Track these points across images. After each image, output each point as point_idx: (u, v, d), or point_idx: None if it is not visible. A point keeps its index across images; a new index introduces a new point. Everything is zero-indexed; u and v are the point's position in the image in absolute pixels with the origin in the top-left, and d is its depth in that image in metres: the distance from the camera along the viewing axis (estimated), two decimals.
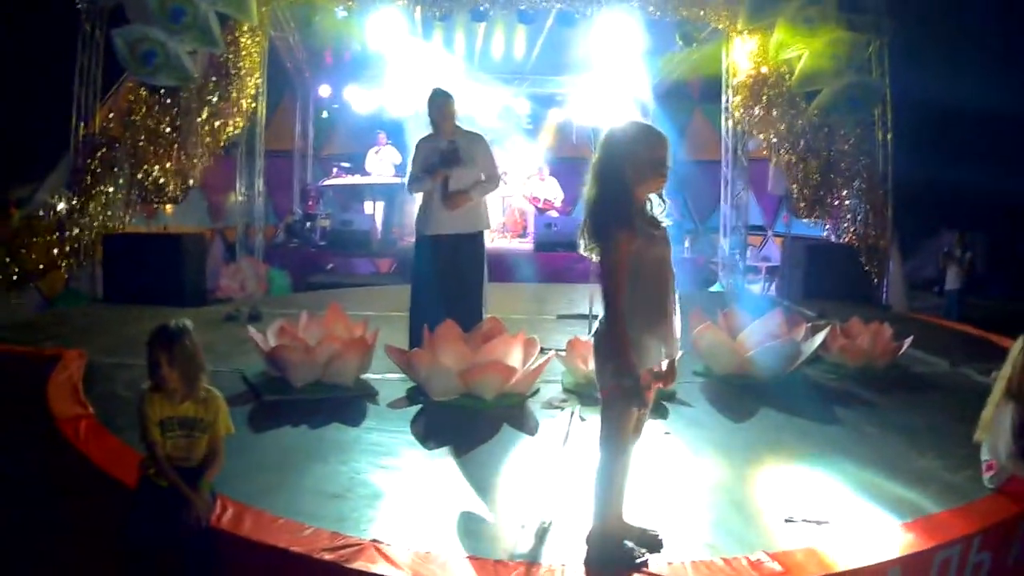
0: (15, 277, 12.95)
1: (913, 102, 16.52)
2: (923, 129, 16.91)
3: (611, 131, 4.62)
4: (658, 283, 4.56)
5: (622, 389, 4.47)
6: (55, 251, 13.39)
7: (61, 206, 13.57)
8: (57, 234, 13.40)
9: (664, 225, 4.68)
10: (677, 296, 4.69)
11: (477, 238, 9.40)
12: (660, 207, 4.66)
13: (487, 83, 21.93)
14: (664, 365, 4.72)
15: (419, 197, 9.45)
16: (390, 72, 20.86)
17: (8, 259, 13.13)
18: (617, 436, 4.67)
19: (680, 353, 4.82)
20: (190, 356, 4.88)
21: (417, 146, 9.39)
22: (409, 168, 9.44)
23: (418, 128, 9.78)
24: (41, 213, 13.47)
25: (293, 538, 4.90)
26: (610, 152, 4.56)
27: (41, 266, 13.16)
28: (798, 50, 16.13)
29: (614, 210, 4.51)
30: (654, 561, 4.76)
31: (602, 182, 4.56)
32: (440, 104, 9.24)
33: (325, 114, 25.67)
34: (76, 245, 13.58)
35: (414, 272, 9.56)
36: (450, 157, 9.04)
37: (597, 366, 4.71)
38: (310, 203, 22.45)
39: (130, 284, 13.33)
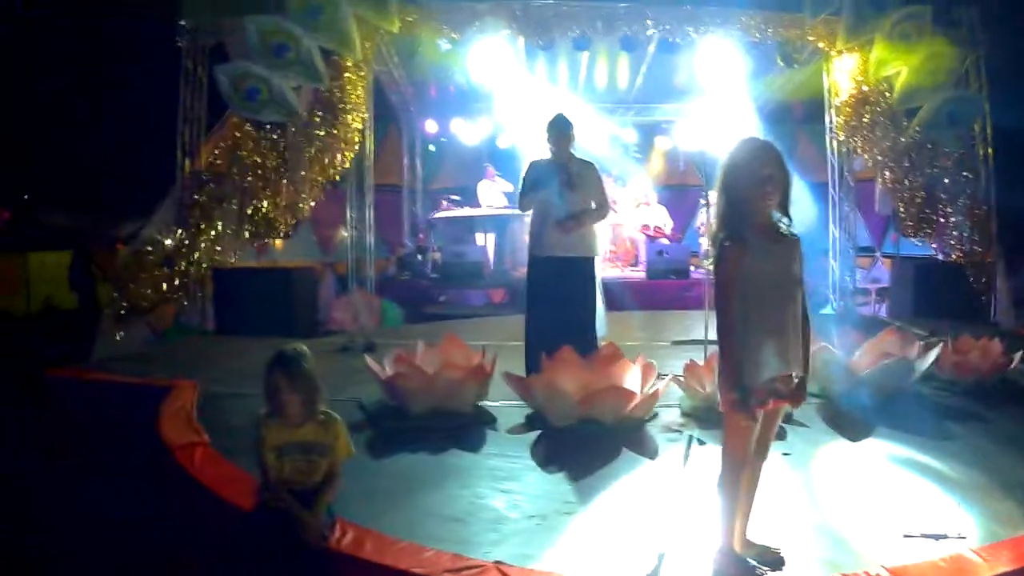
0: (123, 312, 13.22)
1: (1013, 115, 16.27)
2: None
3: (730, 149, 4.69)
4: (775, 296, 4.60)
5: (732, 400, 4.54)
6: (164, 286, 13.64)
7: (168, 242, 13.83)
8: (165, 269, 13.66)
9: (791, 238, 4.70)
10: (804, 309, 4.74)
11: (589, 262, 9.51)
12: (784, 222, 4.69)
13: (593, 112, 21.88)
14: (795, 381, 4.72)
15: (529, 224, 9.58)
16: (495, 103, 20.88)
17: (116, 294, 13.45)
18: (735, 448, 4.75)
19: (810, 368, 4.85)
20: (309, 379, 5.00)
21: (530, 165, 9.53)
22: (519, 187, 9.57)
23: (529, 157, 9.86)
24: (149, 248, 13.72)
25: (414, 560, 4.97)
26: (724, 169, 4.67)
27: (150, 301, 13.44)
28: (896, 67, 16.01)
29: (725, 225, 4.63)
30: None
31: (718, 198, 4.67)
32: (560, 129, 9.35)
33: (432, 147, 25.85)
34: (185, 279, 13.83)
35: (528, 294, 9.63)
36: (563, 180, 9.14)
37: (717, 379, 4.76)
38: (421, 236, 22.62)
39: (241, 317, 13.50)
